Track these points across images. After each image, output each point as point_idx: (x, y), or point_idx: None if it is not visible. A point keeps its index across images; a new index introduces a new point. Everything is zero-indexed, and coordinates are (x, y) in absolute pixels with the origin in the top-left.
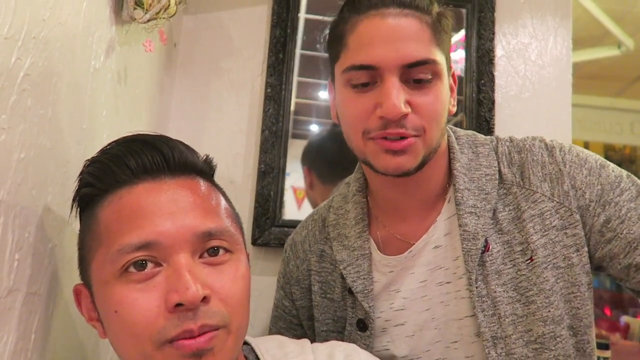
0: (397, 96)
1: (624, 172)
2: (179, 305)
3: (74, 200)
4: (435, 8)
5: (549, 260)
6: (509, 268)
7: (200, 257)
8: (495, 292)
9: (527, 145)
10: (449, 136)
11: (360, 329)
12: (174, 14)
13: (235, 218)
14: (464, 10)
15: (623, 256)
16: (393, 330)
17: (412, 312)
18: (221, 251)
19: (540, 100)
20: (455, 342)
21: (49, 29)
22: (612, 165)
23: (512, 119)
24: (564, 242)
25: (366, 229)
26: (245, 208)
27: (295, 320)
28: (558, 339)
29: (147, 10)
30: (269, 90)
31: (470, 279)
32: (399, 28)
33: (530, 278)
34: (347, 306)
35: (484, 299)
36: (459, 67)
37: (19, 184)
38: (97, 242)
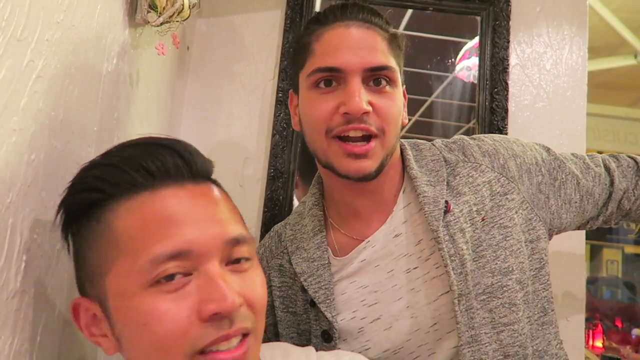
0: (359, 95)
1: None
2: (216, 314)
3: (60, 205)
4: (391, 29)
5: (495, 220)
6: (469, 226)
7: (227, 264)
8: (462, 249)
9: (457, 139)
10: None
11: (325, 340)
12: (188, 18)
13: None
14: (478, 18)
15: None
16: (370, 327)
17: (386, 304)
18: (243, 259)
19: (554, 110)
20: (434, 324)
21: (62, 32)
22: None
23: (525, 128)
24: (507, 205)
25: (324, 239)
26: (254, 212)
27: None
28: (505, 288)
29: (160, 13)
30: (280, 94)
31: (438, 237)
32: (361, 38)
33: (480, 236)
34: (310, 319)
35: (452, 257)
36: (472, 75)
37: (28, 185)
38: (116, 252)
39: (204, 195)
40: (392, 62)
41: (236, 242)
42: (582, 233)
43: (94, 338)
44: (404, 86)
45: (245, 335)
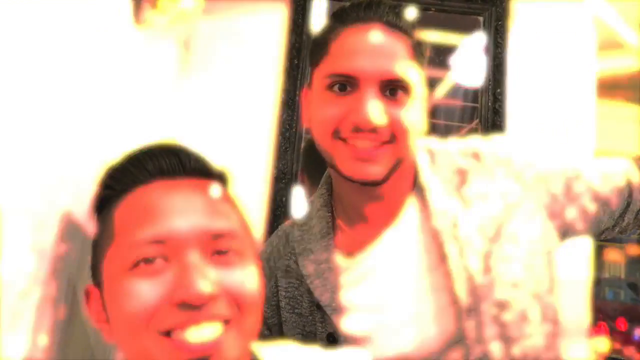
0: (371, 107)
1: None
2: (184, 302)
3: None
4: (417, 34)
5: (507, 232)
6: (479, 239)
7: (210, 256)
8: (471, 264)
9: (473, 143)
10: None
11: (331, 343)
12: (191, 19)
13: (248, 228)
14: (480, 19)
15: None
16: (375, 333)
17: (391, 312)
18: (231, 253)
19: (559, 110)
20: (441, 335)
21: (68, 32)
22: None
23: (529, 128)
24: (520, 216)
25: (332, 241)
26: (258, 213)
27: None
28: (516, 302)
29: (164, 14)
30: (283, 95)
31: (447, 251)
32: (381, 44)
33: (491, 249)
34: (316, 321)
35: (461, 272)
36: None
37: (35, 187)
38: (110, 239)
39: (195, 190)
40: (413, 72)
41: (219, 235)
42: None
43: (99, 324)
44: (427, 92)
45: (227, 323)
